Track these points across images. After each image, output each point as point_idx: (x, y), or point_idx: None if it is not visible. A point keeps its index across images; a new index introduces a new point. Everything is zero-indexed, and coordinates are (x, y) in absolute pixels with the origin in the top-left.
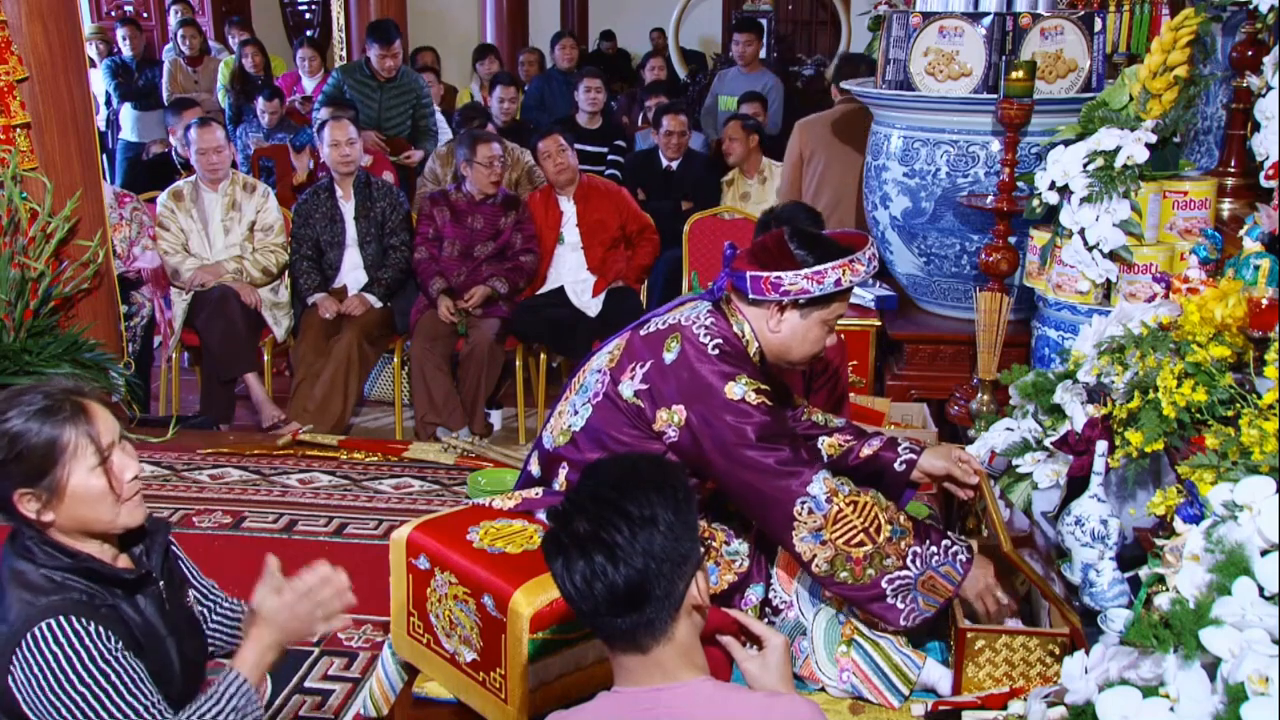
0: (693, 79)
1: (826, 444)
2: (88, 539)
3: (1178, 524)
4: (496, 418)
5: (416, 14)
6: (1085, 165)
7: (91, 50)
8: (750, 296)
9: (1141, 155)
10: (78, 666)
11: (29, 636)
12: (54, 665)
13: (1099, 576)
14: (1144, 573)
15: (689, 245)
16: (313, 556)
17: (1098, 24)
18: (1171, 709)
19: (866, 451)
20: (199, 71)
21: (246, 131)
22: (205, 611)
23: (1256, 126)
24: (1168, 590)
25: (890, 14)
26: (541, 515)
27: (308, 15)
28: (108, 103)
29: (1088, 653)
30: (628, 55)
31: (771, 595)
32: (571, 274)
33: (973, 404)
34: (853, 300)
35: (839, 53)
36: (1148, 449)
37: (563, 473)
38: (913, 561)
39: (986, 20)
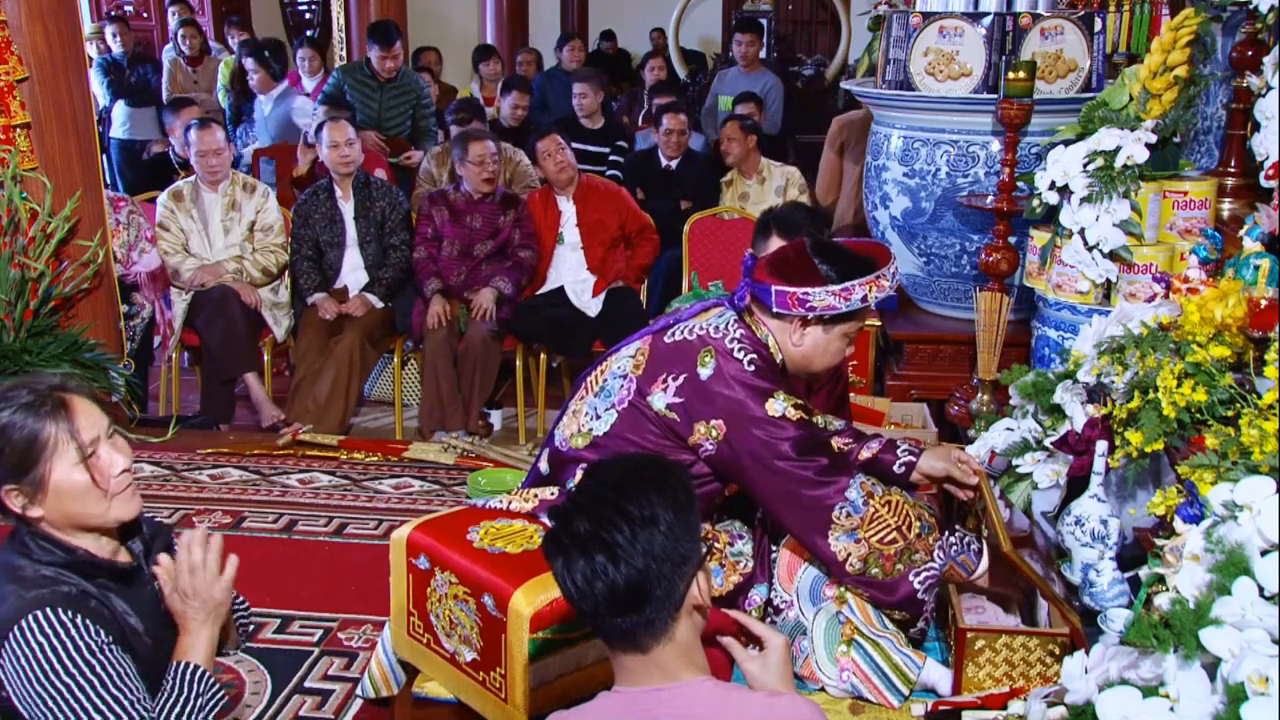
0: (693, 79)
1: None
2: (82, 533)
3: (1178, 524)
4: (496, 418)
5: (416, 14)
6: (1085, 165)
7: (91, 50)
8: (775, 310)
9: (1141, 155)
10: (64, 658)
11: (17, 628)
12: (40, 656)
13: (1099, 576)
14: (1144, 573)
15: (689, 245)
16: (313, 556)
17: (1098, 24)
18: (1171, 709)
19: (866, 454)
20: (199, 71)
21: (247, 131)
22: None
23: (1256, 126)
24: (1168, 590)
25: (890, 14)
26: (543, 516)
27: (308, 15)
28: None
29: (1088, 653)
30: (628, 55)
31: (772, 595)
32: (571, 274)
33: (973, 404)
34: None
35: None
36: (1148, 449)
37: (580, 474)
38: (939, 554)
39: (986, 20)
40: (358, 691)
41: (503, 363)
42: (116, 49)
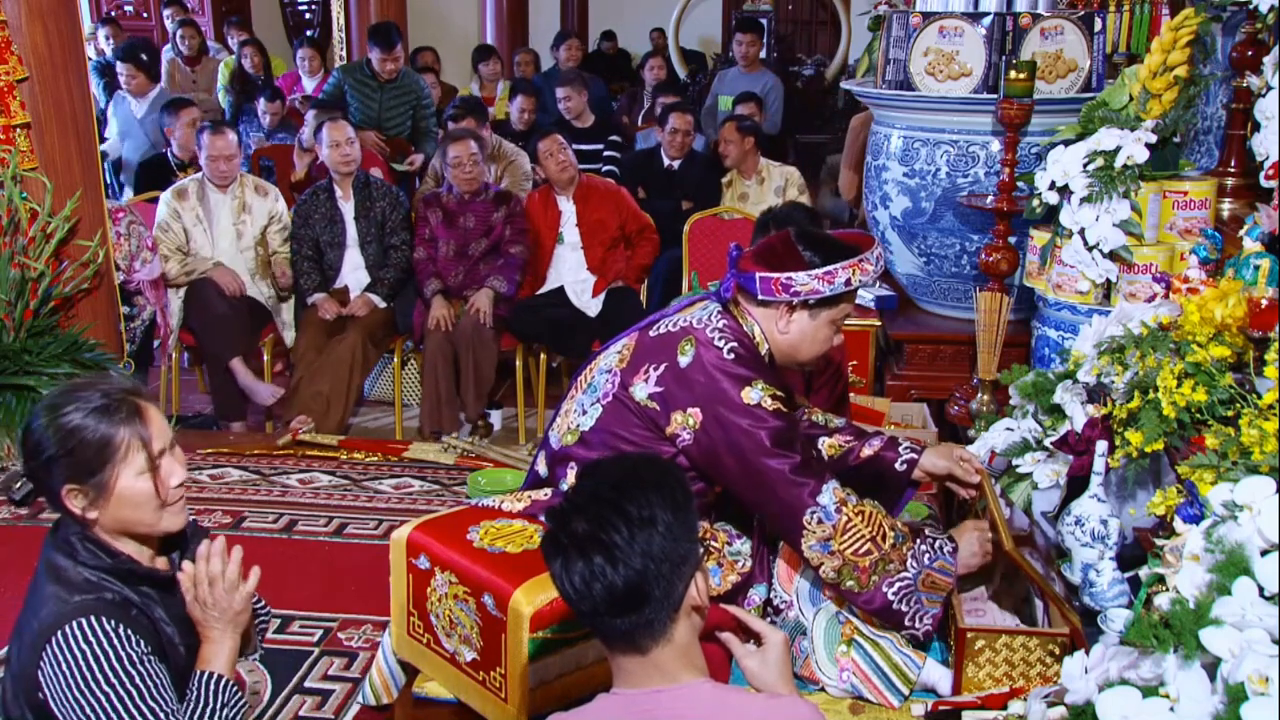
0: (693, 79)
1: (827, 445)
2: (127, 540)
3: (1178, 524)
4: (496, 418)
5: (416, 14)
6: (1085, 165)
7: (91, 50)
8: (760, 297)
9: (1141, 155)
10: (105, 666)
11: (59, 634)
12: (80, 664)
13: (1099, 576)
14: (1144, 573)
15: (689, 245)
16: (313, 556)
17: (1098, 24)
18: (1171, 709)
19: (867, 452)
20: (197, 72)
21: (247, 131)
22: None
23: (1256, 126)
24: (1168, 590)
25: (890, 14)
26: (542, 516)
27: (308, 15)
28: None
29: (1088, 653)
30: (628, 55)
31: (772, 595)
32: (571, 274)
33: (973, 404)
34: None
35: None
36: (1148, 449)
37: (570, 472)
38: (911, 563)
39: (986, 20)
40: (358, 697)
41: (502, 363)
42: (110, 52)
